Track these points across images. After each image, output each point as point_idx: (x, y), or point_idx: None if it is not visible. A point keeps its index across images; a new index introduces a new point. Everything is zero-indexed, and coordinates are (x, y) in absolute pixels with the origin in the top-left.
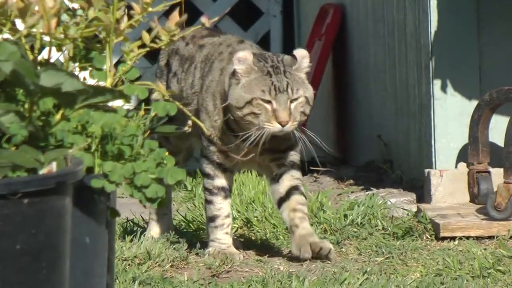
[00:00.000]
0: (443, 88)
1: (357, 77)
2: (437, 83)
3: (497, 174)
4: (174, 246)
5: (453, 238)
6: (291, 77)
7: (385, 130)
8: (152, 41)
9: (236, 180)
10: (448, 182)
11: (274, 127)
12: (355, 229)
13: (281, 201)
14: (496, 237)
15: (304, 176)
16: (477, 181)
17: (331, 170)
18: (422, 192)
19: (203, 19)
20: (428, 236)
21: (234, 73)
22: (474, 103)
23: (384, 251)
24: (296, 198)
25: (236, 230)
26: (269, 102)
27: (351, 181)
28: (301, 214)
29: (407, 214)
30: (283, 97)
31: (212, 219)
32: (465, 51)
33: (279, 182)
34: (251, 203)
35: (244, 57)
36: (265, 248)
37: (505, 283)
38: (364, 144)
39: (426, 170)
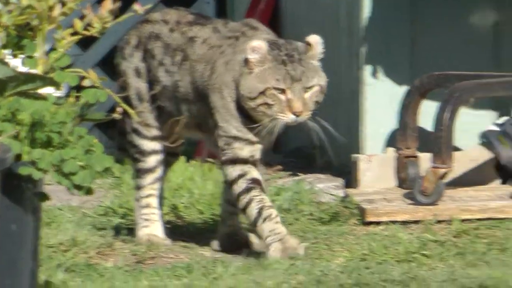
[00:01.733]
0: (374, 74)
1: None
2: (368, 69)
3: (425, 159)
4: (100, 233)
5: (379, 223)
6: (306, 65)
7: (315, 115)
8: (85, 28)
9: None
10: (376, 167)
11: (288, 117)
12: (282, 215)
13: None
14: (422, 222)
15: None
16: (405, 166)
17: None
18: (350, 177)
19: (136, 6)
20: (355, 221)
21: (246, 62)
22: (405, 88)
23: (310, 236)
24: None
25: (163, 217)
26: (283, 91)
27: (279, 167)
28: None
29: (334, 199)
30: (298, 86)
31: (259, 213)
32: (397, 37)
33: None
34: (178, 189)
35: (259, 46)
36: (191, 234)
37: (430, 267)
38: (293, 130)
39: (355, 155)
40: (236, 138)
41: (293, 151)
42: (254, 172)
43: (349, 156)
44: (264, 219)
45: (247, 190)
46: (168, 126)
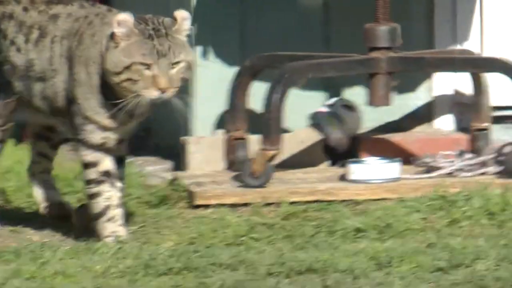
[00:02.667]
0: (205, 55)
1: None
2: (198, 50)
3: (255, 141)
4: None
5: (208, 206)
6: (173, 40)
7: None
8: None
9: None
10: (205, 150)
11: (153, 94)
12: None
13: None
14: (251, 205)
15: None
16: (235, 148)
17: None
18: (180, 160)
19: None
20: (184, 204)
21: (112, 36)
22: (235, 70)
23: (138, 220)
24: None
25: None
26: (149, 66)
27: None
28: None
29: (163, 182)
30: (165, 62)
31: (104, 212)
32: (226, 18)
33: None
34: (6, 173)
35: (124, 19)
36: (19, 219)
37: (258, 250)
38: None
39: (183, 138)
40: (89, 120)
41: None
42: (106, 162)
43: (177, 138)
44: (109, 219)
45: (97, 182)
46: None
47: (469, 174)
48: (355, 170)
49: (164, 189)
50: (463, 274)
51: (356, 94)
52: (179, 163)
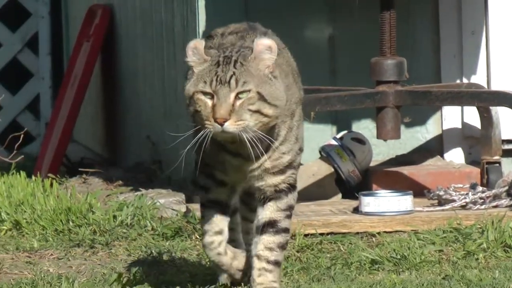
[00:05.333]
0: None
1: (126, 78)
2: None
3: None
4: None
5: None
6: (241, 68)
7: (154, 131)
8: None
9: (5, 182)
10: None
11: (214, 126)
12: (124, 230)
13: (256, 230)
14: None
15: (73, 177)
16: None
17: (100, 171)
18: (190, 192)
19: None
20: (198, 236)
21: (189, 67)
22: None
23: (153, 251)
24: (265, 241)
25: (5, 233)
26: (211, 96)
27: (120, 182)
28: (262, 265)
29: (177, 215)
30: (224, 90)
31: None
32: None
33: (262, 209)
34: (20, 205)
35: (194, 46)
36: (34, 250)
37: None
38: (133, 145)
39: None
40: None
41: (133, 166)
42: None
43: (188, 170)
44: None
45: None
46: None
47: (482, 207)
48: (368, 202)
49: (178, 221)
50: None
51: (364, 128)
52: (192, 195)
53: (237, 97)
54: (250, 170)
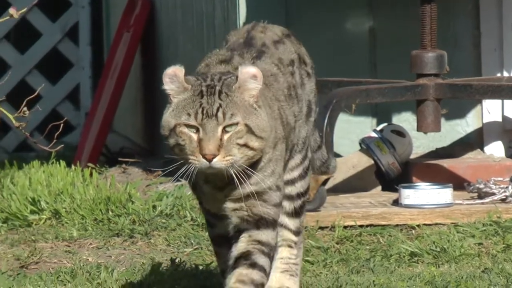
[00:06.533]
0: None
1: (166, 68)
2: None
3: None
4: None
5: None
6: (227, 99)
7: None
8: None
9: (44, 171)
10: None
11: (200, 162)
12: (164, 220)
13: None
14: (305, 228)
15: (112, 167)
16: None
17: (139, 161)
18: None
19: (11, 10)
20: None
21: (167, 95)
22: None
23: (193, 242)
24: (238, 273)
25: (45, 222)
26: (196, 129)
27: (160, 172)
28: None
29: None
30: (211, 124)
31: None
32: None
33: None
34: (59, 194)
35: (174, 73)
36: (73, 240)
37: (313, 273)
38: None
39: None
40: None
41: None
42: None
43: None
44: None
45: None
46: None
47: None
48: (408, 195)
49: None
50: None
51: (405, 120)
52: None
53: (224, 130)
54: (225, 200)
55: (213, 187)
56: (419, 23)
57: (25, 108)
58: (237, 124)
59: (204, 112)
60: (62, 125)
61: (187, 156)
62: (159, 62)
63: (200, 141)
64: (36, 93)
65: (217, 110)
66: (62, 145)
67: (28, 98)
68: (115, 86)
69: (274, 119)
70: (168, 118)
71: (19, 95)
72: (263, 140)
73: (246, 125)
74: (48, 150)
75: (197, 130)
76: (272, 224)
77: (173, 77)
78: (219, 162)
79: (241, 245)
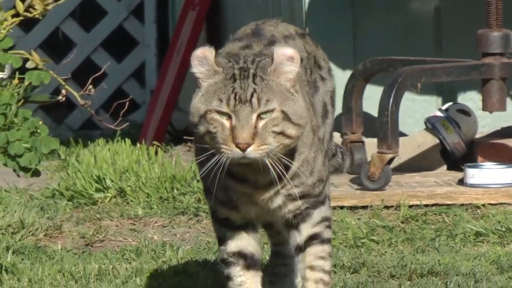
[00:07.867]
0: None
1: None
2: None
3: (371, 144)
4: (47, 215)
5: None
6: (262, 84)
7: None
8: (26, 10)
9: (109, 150)
10: None
11: (233, 151)
12: None
13: (298, 250)
14: (370, 207)
15: (178, 146)
16: (351, 151)
17: None
18: None
19: None
20: None
21: (196, 79)
22: (349, 73)
23: None
24: (314, 251)
25: (110, 200)
26: (228, 116)
27: None
28: (319, 275)
29: None
30: (245, 110)
31: None
32: (340, 21)
33: (298, 230)
34: (124, 172)
35: (202, 54)
36: (138, 218)
37: (378, 252)
38: None
39: None
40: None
41: None
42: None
43: None
44: None
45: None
46: None
47: None
48: (473, 174)
49: None
50: None
51: (470, 99)
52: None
53: (259, 117)
54: (264, 199)
55: (254, 186)
56: (485, 2)
57: (90, 86)
58: (273, 110)
59: (237, 97)
60: (127, 103)
61: (218, 145)
62: (224, 40)
63: (233, 129)
64: (101, 71)
65: (251, 95)
66: (127, 123)
67: (94, 76)
68: (180, 64)
69: (309, 106)
70: (198, 103)
71: (85, 73)
72: (300, 127)
73: (283, 111)
74: (113, 128)
75: (230, 117)
76: (324, 200)
77: (202, 59)
78: (253, 151)
79: (303, 234)
